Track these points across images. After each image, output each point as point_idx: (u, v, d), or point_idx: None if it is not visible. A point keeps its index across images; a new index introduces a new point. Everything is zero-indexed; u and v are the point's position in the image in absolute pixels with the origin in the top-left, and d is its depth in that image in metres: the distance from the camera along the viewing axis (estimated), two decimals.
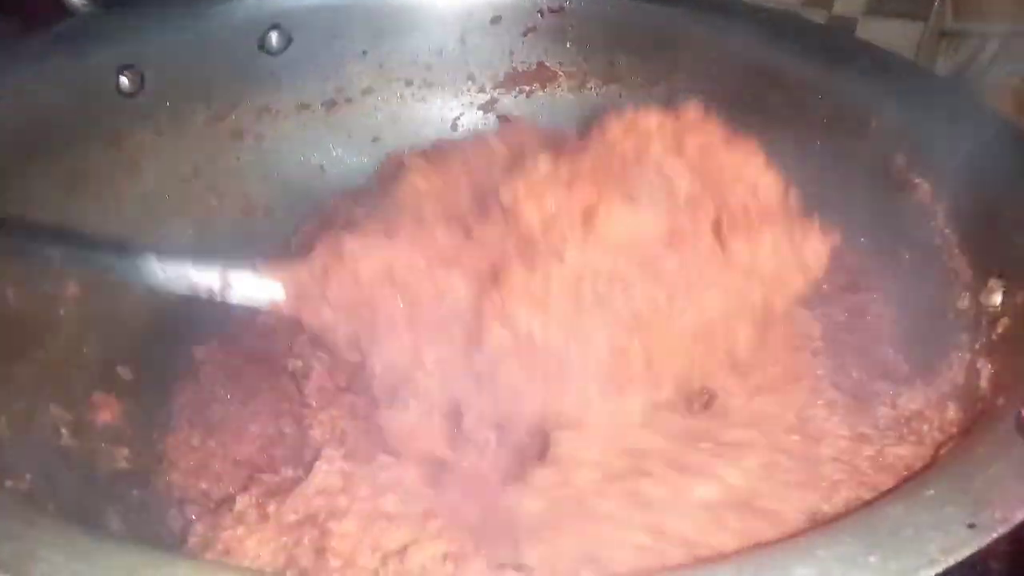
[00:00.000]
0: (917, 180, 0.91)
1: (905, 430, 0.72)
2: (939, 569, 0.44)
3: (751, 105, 1.12)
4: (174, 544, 0.67)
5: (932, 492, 0.48)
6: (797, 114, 1.05)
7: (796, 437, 0.69)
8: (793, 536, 0.47)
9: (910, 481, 0.55)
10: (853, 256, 0.91)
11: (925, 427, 0.71)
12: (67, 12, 0.99)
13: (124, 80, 1.00)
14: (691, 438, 0.67)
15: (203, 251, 0.95)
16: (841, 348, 0.82)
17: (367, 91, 1.20)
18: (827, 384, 0.75)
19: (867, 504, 0.51)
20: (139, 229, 1.01)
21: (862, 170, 1.00)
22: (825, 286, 0.87)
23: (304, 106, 1.17)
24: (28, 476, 0.64)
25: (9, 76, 0.88)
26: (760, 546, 0.48)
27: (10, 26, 1.18)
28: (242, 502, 0.67)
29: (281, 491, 0.68)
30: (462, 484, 0.67)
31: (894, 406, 0.74)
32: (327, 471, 0.68)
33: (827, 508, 0.64)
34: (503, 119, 1.23)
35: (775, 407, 0.71)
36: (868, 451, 0.69)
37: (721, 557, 0.45)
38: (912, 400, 0.75)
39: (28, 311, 0.82)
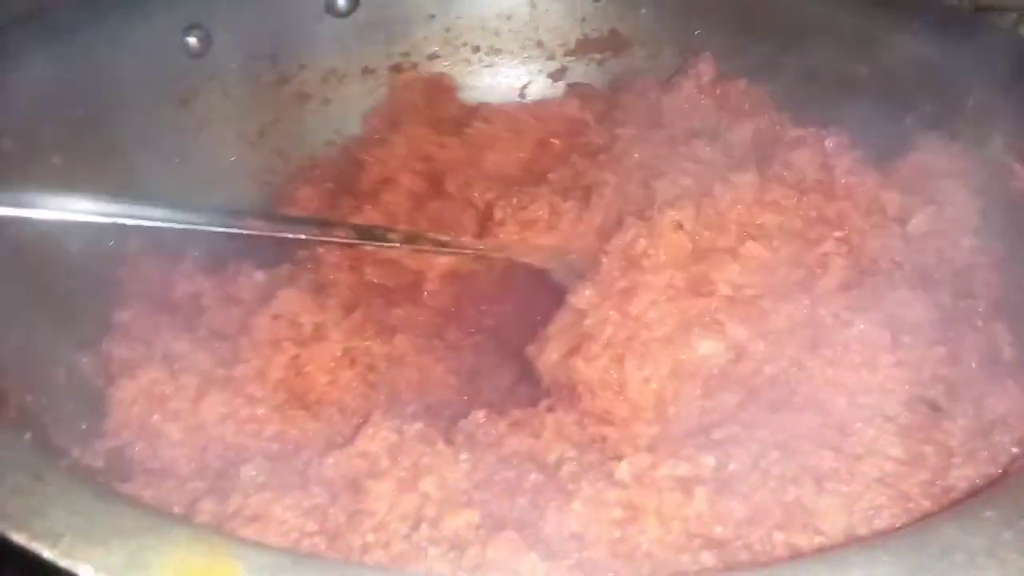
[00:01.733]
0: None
1: (980, 443, 0.65)
2: None
3: (843, 78, 1.06)
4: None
5: (991, 514, 0.43)
6: (887, 86, 0.97)
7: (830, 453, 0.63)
8: (827, 550, 0.43)
9: (969, 499, 0.50)
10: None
11: (1005, 438, 0.64)
12: None
13: (191, 40, 1.01)
14: None
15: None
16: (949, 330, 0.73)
17: (433, 56, 1.18)
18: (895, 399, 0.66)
19: (916, 521, 0.46)
20: (205, 189, 1.03)
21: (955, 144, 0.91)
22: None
23: (370, 71, 1.16)
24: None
25: (75, 36, 0.89)
26: (790, 559, 0.44)
27: None
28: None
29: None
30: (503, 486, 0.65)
31: (973, 415, 0.66)
32: (373, 436, 0.68)
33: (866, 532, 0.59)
34: (572, 87, 1.20)
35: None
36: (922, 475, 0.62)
37: (750, 567, 0.42)
38: (999, 402, 0.67)
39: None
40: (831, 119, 1.04)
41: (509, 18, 1.18)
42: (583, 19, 1.19)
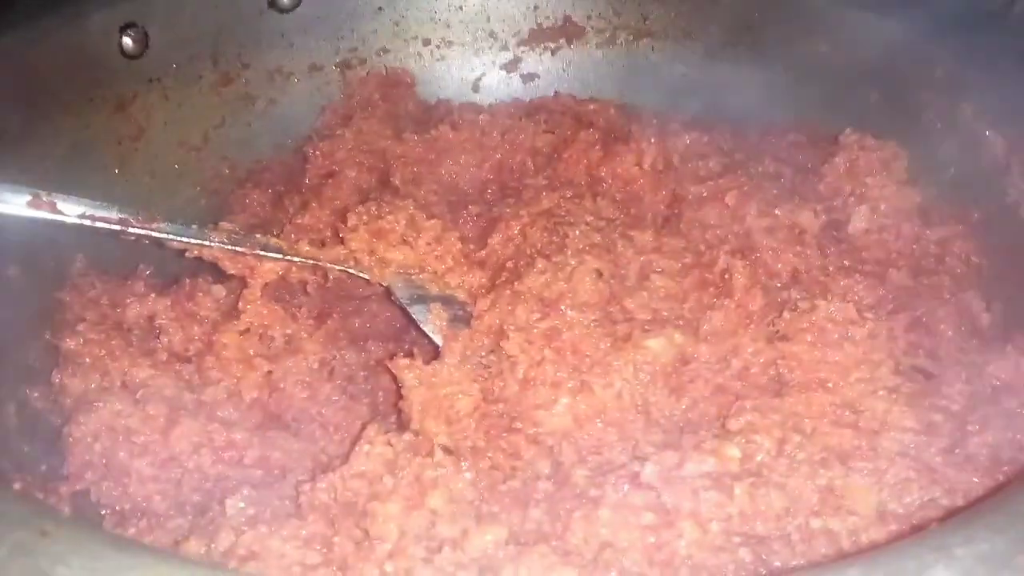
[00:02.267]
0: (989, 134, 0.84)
1: (991, 409, 0.65)
2: None
3: (795, 59, 1.06)
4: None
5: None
6: (853, 65, 0.98)
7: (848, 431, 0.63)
8: (921, 533, 0.40)
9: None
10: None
11: (1014, 403, 0.64)
12: None
13: (127, 40, 0.93)
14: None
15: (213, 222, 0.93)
16: (911, 304, 0.76)
17: (383, 51, 1.12)
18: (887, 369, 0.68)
19: (997, 490, 0.45)
20: (148, 200, 0.95)
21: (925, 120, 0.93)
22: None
23: (317, 68, 1.10)
24: None
25: (5, 39, 0.81)
26: (887, 545, 0.41)
27: None
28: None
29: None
30: (511, 496, 0.61)
31: (970, 380, 0.67)
32: (368, 452, 0.63)
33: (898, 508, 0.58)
34: (527, 79, 1.16)
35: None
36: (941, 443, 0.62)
37: (848, 557, 0.39)
38: (1001, 368, 0.68)
39: None
40: (791, 101, 1.07)
41: (460, 8, 1.14)
42: (535, 7, 1.15)
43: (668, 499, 0.58)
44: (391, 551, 0.55)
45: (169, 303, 0.80)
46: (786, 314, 0.73)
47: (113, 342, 0.75)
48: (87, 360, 0.73)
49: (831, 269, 0.79)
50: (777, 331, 0.72)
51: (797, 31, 1.04)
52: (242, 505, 0.61)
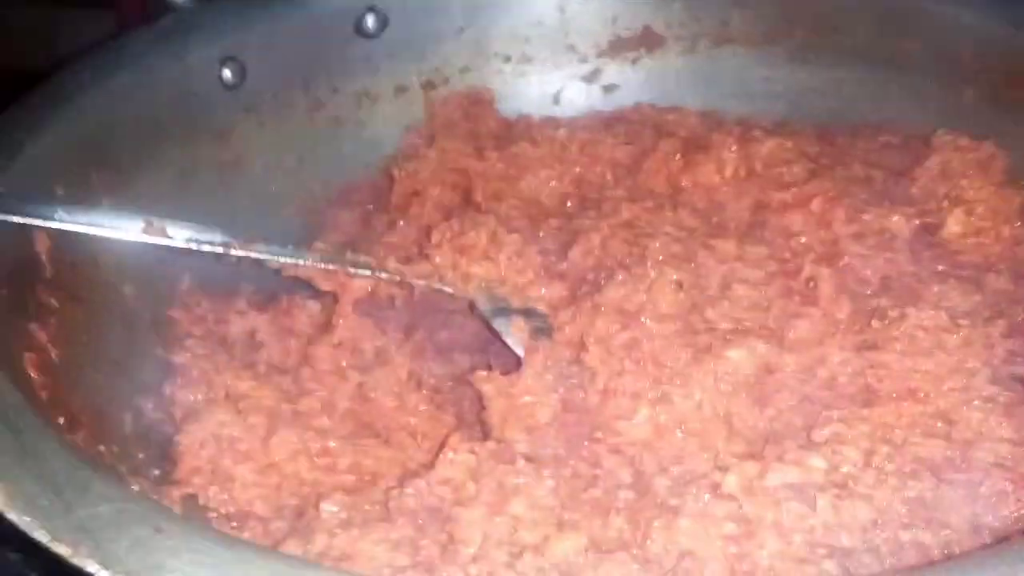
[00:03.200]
0: None
1: None
2: None
3: (883, 58, 1.03)
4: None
5: None
6: (941, 62, 0.94)
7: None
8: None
9: None
10: None
11: None
12: (165, 7, 0.99)
13: (227, 72, 0.99)
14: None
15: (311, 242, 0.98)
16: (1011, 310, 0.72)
17: (465, 70, 1.16)
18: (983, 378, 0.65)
19: None
20: (249, 222, 1.01)
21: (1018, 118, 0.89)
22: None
23: (402, 89, 1.14)
24: None
25: (112, 77, 0.88)
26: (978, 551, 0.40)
27: (104, 24, 1.20)
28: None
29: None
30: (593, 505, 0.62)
31: None
32: (452, 460, 0.65)
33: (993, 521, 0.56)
34: (608, 90, 1.17)
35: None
36: None
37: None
38: None
39: None
40: (881, 102, 1.04)
41: (539, 24, 1.16)
42: (614, 18, 1.16)
43: (749, 509, 0.58)
44: (475, 555, 0.57)
45: (268, 319, 0.85)
46: (875, 323, 0.71)
47: (218, 356, 0.81)
48: (195, 373, 0.78)
49: (924, 275, 0.76)
50: (865, 340, 0.71)
51: (885, 29, 1.02)
52: (335, 509, 0.64)
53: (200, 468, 0.71)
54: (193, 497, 0.72)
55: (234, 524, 0.69)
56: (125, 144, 0.89)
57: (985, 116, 0.91)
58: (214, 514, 0.71)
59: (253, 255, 0.75)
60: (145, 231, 0.71)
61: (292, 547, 0.62)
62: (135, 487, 0.67)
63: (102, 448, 0.69)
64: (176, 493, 0.71)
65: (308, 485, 0.71)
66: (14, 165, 0.74)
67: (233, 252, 0.74)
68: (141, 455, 0.74)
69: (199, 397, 0.76)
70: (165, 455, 0.74)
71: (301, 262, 0.78)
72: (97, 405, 0.73)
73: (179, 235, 0.72)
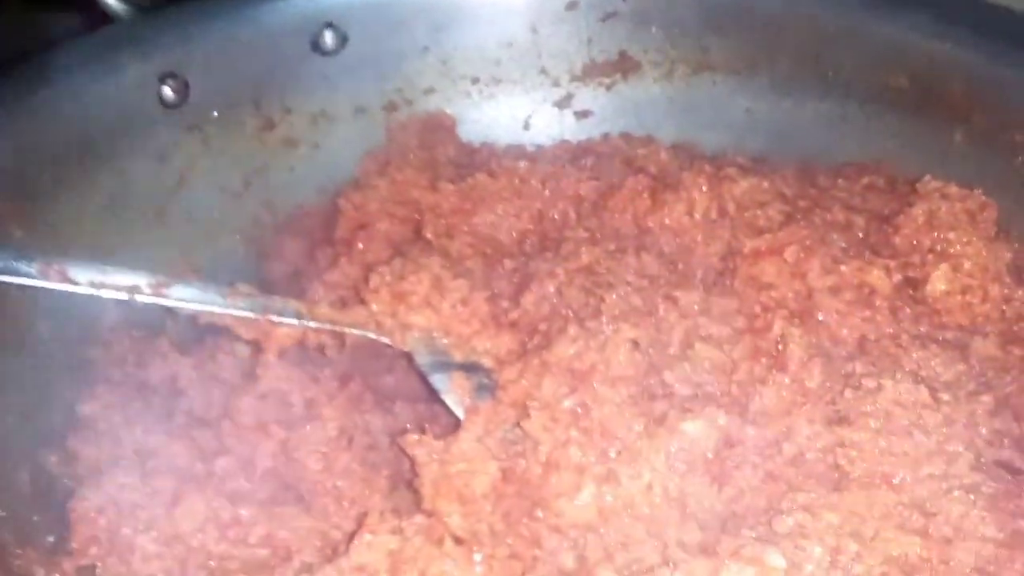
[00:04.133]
0: None
1: None
2: None
3: (870, 94, 0.97)
4: None
5: None
6: (933, 101, 0.88)
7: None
8: None
9: None
10: None
11: None
12: (102, 17, 0.92)
13: (167, 90, 0.92)
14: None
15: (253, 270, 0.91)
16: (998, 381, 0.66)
17: (429, 91, 1.09)
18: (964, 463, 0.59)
19: None
20: (187, 249, 0.94)
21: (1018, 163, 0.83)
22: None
23: (362, 110, 1.07)
24: None
25: (35, 95, 0.81)
26: None
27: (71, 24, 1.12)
28: None
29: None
30: None
31: None
32: (370, 543, 0.58)
33: None
34: (581, 116, 1.11)
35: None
36: None
37: None
38: None
39: None
40: (866, 140, 0.97)
41: (510, 45, 1.10)
42: (589, 41, 1.10)
43: None
44: None
45: (192, 363, 0.78)
46: (848, 392, 0.64)
47: (132, 406, 0.74)
48: (102, 425, 0.71)
49: (904, 338, 0.70)
50: (838, 411, 0.64)
51: (873, 63, 0.95)
52: None
53: (97, 537, 0.64)
54: (90, 569, 0.65)
55: None
56: (46, 169, 0.82)
57: (975, 159, 0.85)
58: None
59: (161, 302, 0.68)
60: (40, 273, 0.64)
61: None
62: (18, 561, 0.60)
63: None
64: (69, 565, 0.64)
65: (216, 559, 0.64)
66: None
67: (139, 298, 0.67)
68: (36, 518, 0.67)
69: (104, 453, 0.69)
70: (62, 519, 0.67)
71: (218, 310, 0.70)
72: None
73: (81, 277, 0.65)
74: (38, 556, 0.63)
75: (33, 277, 0.64)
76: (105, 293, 0.66)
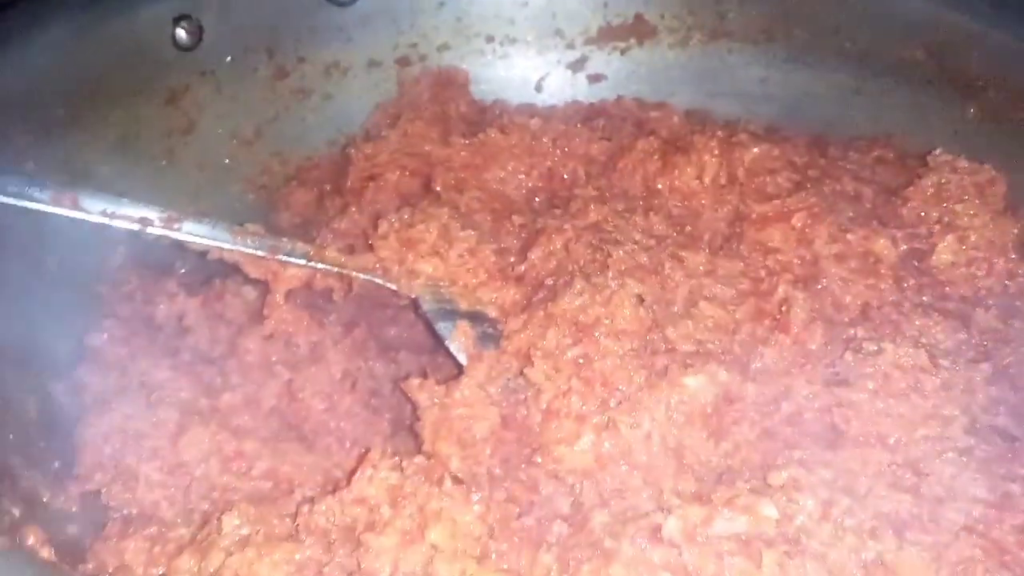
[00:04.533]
0: None
1: None
2: None
3: (886, 66, 0.97)
4: None
5: None
6: (949, 74, 0.88)
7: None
8: None
9: None
10: None
11: None
12: None
13: (180, 32, 0.92)
14: None
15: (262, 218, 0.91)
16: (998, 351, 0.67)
17: (444, 47, 1.08)
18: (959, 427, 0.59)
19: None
20: (195, 194, 0.94)
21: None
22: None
23: (375, 63, 1.07)
24: None
25: (48, 31, 0.81)
26: None
27: None
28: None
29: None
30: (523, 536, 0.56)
31: None
32: (371, 477, 0.59)
33: None
34: (594, 80, 1.10)
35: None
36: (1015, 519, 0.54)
37: None
38: None
39: None
40: (880, 113, 0.97)
41: (525, 4, 1.09)
42: (605, 4, 1.09)
43: (690, 560, 0.52)
44: None
45: (199, 303, 0.78)
46: (848, 355, 0.65)
47: (138, 340, 0.74)
48: (109, 357, 0.72)
49: (907, 306, 0.70)
50: (837, 374, 0.65)
51: (890, 35, 0.95)
52: (237, 523, 0.58)
53: (102, 463, 0.65)
54: (94, 495, 0.66)
55: (138, 529, 0.63)
56: (59, 104, 0.82)
57: (987, 135, 0.85)
58: (117, 514, 0.65)
59: (172, 235, 0.68)
60: (53, 200, 0.64)
61: (185, 563, 0.56)
62: (25, 483, 0.61)
63: None
64: (74, 489, 0.65)
65: (218, 489, 0.65)
66: None
67: (151, 230, 0.67)
68: (43, 444, 0.68)
69: (111, 384, 0.70)
70: (68, 445, 0.68)
71: (227, 246, 0.71)
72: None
73: (93, 207, 0.66)
74: (44, 479, 0.64)
75: (46, 203, 0.64)
76: (116, 223, 0.66)
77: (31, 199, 0.64)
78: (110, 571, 0.57)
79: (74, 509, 0.64)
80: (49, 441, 0.68)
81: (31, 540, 0.56)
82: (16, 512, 0.58)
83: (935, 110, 0.90)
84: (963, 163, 0.79)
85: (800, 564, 0.51)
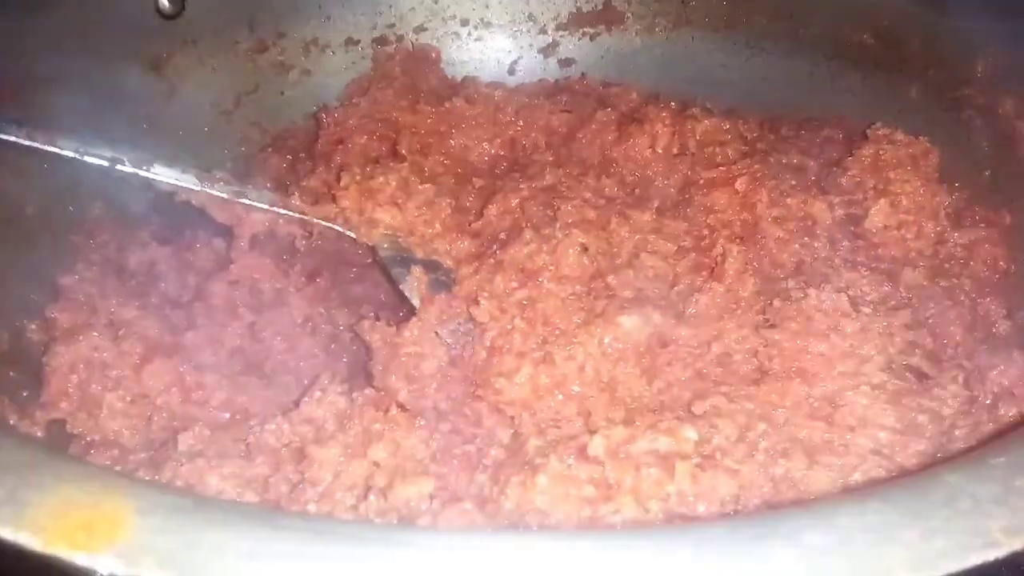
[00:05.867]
0: None
1: (985, 416, 0.60)
2: (999, 554, 0.33)
3: (837, 51, 1.01)
4: None
5: (1004, 459, 0.37)
6: (894, 57, 0.92)
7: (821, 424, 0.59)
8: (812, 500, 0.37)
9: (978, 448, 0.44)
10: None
11: (1012, 411, 0.59)
12: None
13: (164, 1, 0.96)
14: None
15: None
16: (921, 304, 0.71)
17: (420, 29, 1.13)
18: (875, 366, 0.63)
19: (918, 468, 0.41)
20: (173, 158, 0.97)
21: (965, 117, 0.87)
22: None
23: (353, 42, 1.11)
24: None
25: None
26: (767, 508, 0.38)
27: None
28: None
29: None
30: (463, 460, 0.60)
31: (968, 384, 0.62)
32: (320, 400, 0.63)
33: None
34: (564, 64, 1.15)
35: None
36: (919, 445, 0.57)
37: (722, 516, 0.37)
38: (1005, 374, 0.62)
39: None
40: (831, 95, 1.02)
41: None
42: None
43: (611, 474, 0.55)
44: (319, 495, 0.55)
45: (170, 252, 0.82)
46: (776, 302, 0.69)
47: (109, 282, 0.78)
48: (80, 297, 0.75)
49: (838, 262, 0.74)
50: (766, 319, 0.68)
51: (842, 20, 1.00)
52: (191, 442, 0.61)
53: (68, 392, 0.68)
54: (60, 423, 0.69)
55: (99, 453, 0.66)
56: (41, 59, 0.86)
57: (927, 113, 0.89)
58: (82, 441, 0.69)
59: (142, 173, 0.72)
60: (29, 136, 0.68)
61: (140, 477, 0.60)
62: None
63: None
64: (40, 415, 0.68)
65: (179, 419, 0.68)
66: None
67: (121, 168, 0.71)
68: (12, 374, 0.71)
69: (80, 320, 0.73)
70: (37, 378, 0.71)
71: (194, 187, 0.75)
72: None
73: (67, 145, 0.69)
74: (12, 405, 0.67)
75: (21, 138, 0.67)
76: (89, 159, 0.70)
77: (6, 132, 0.67)
78: None
79: (39, 434, 0.67)
80: (19, 372, 0.71)
81: None
82: None
83: (881, 91, 0.95)
84: (900, 136, 0.84)
85: (712, 476, 0.54)
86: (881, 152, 0.83)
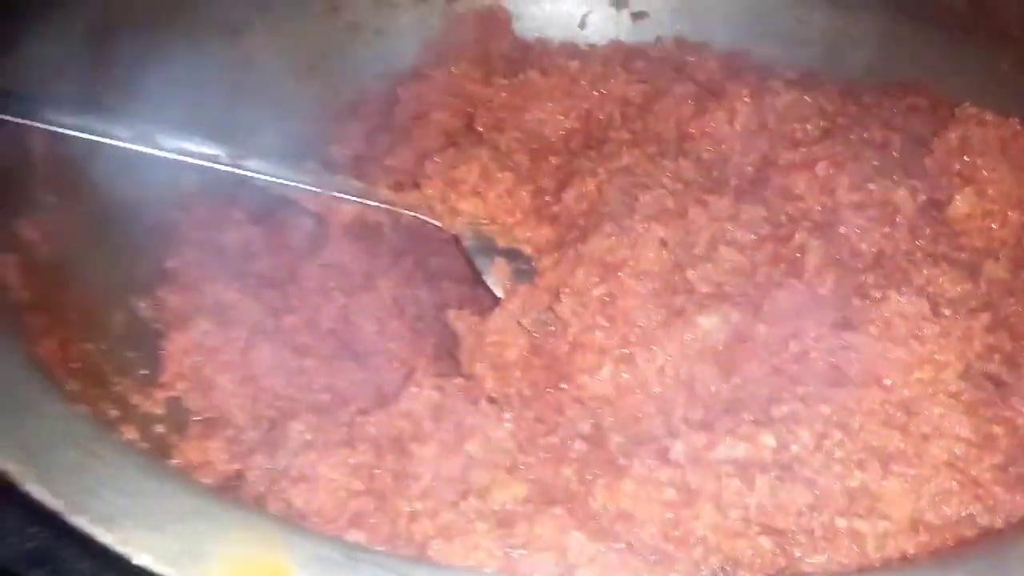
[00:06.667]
0: None
1: None
2: None
3: (925, 11, 0.97)
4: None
5: None
6: (981, 21, 0.89)
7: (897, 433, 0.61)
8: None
9: None
10: None
11: None
12: None
13: None
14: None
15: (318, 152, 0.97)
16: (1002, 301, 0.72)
17: None
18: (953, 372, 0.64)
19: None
20: (256, 126, 1.01)
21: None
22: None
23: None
24: None
25: None
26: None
27: None
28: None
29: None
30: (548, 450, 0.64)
31: None
32: (416, 395, 0.67)
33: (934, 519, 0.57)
34: (637, 17, 1.13)
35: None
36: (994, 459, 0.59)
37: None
38: None
39: None
40: (915, 59, 0.99)
41: None
42: None
43: (692, 479, 0.59)
44: (423, 491, 0.60)
45: (262, 231, 0.86)
46: (855, 301, 0.70)
47: (210, 264, 0.82)
48: (186, 279, 0.80)
49: (919, 255, 0.75)
50: (844, 318, 0.70)
51: None
52: (301, 428, 0.67)
53: (184, 374, 0.74)
54: (176, 400, 0.75)
55: (216, 431, 0.72)
56: (126, 39, 0.89)
57: (1017, 88, 0.87)
58: (197, 417, 0.75)
59: (239, 172, 0.76)
60: (135, 139, 0.71)
61: (259, 461, 0.66)
62: (116, 388, 0.71)
63: (90, 346, 0.72)
64: (160, 395, 0.74)
65: (283, 400, 0.73)
66: (9, 62, 0.75)
67: (220, 167, 0.74)
68: (131, 354, 0.77)
69: (187, 303, 0.78)
70: (152, 356, 0.77)
71: (289, 183, 0.78)
72: (88, 302, 0.76)
73: (169, 145, 0.73)
74: (134, 385, 0.73)
75: (130, 142, 0.71)
76: (190, 159, 0.73)
77: (115, 137, 0.71)
78: (195, 466, 0.67)
79: (160, 412, 0.74)
80: (137, 352, 0.77)
81: (128, 437, 0.65)
82: (114, 413, 0.68)
83: (969, 59, 0.92)
84: (990, 116, 0.82)
85: (790, 488, 0.58)
86: (968, 134, 0.81)
